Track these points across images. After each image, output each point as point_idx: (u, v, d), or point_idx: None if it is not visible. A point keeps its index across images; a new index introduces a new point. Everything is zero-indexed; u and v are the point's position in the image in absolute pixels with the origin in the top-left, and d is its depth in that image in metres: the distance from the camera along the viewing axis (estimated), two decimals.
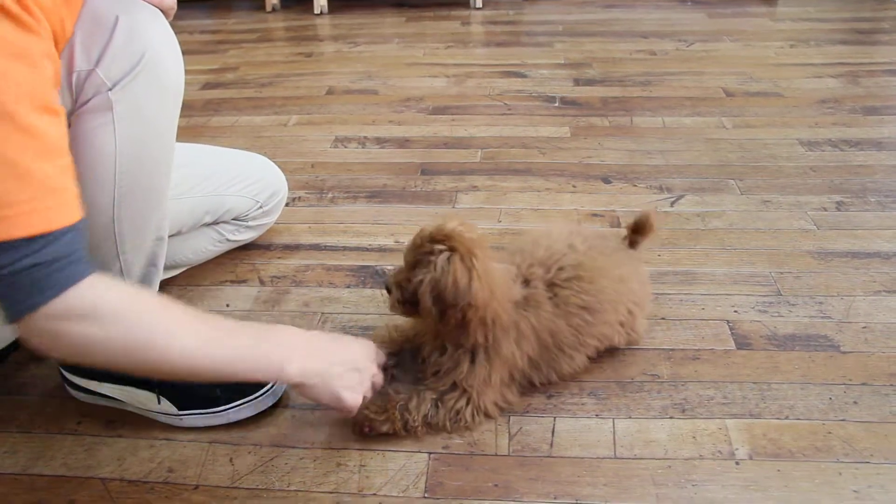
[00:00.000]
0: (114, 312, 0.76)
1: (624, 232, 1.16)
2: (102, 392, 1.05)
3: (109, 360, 0.78)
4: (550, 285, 1.03)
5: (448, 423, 1.00)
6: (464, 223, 0.97)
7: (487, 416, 1.02)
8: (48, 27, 0.74)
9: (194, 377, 0.87)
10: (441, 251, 0.93)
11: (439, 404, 1.00)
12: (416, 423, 0.99)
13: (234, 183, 1.36)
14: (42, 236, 0.69)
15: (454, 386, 1.00)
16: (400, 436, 0.99)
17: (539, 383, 1.07)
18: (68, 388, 1.09)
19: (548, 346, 1.03)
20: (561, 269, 1.04)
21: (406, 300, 0.99)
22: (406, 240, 1.45)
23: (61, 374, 1.08)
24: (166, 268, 1.31)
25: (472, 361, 0.99)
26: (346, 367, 0.93)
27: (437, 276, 0.93)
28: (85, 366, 0.80)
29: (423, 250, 0.95)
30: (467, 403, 1.00)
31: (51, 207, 0.70)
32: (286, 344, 0.90)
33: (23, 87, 0.68)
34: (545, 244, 1.07)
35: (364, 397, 0.95)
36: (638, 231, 1.15)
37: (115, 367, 0.80)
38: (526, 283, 1.02)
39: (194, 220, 1.31)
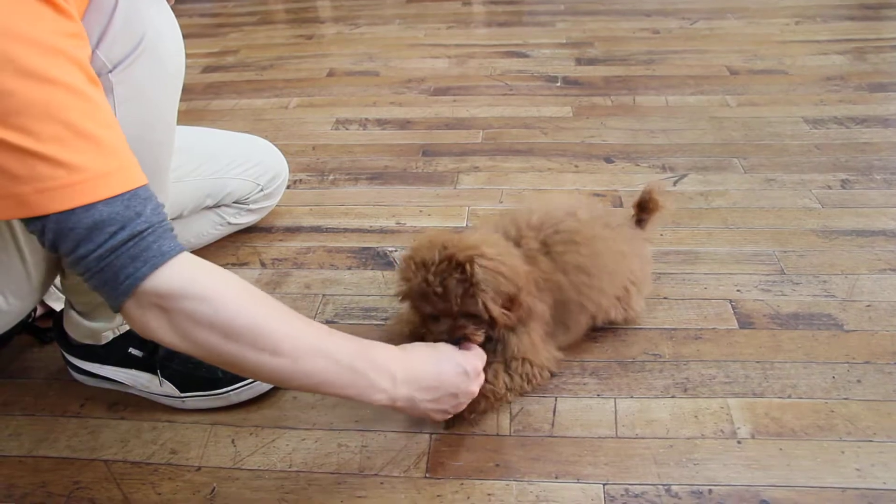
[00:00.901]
0: (223, 295, 0.74)
1: (629, 211, 1.16)
2: (105, 375, 1.06)
3: (209, 345, 0.73)
4: (543, 244, 1.02)
5: (525, 385, 1.01)
6: (420, 239, 0.95)
7: (552, 372, 1.04)
8: (76, 10, 0.74)
9: (275, 383, 0.85)
10: (466, 267, 0.90)
11: (510, 372, 1.00)
12: (503, 391, 0.98)
13: (236, 166, 1.36)
14: (121, 197, 0.68)
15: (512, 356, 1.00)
16: (494, 409, 1.00)
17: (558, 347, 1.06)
18: (71, 371, 1.09)
19: (556, 300, 1.02)
20: (556, 232, 1.03)
21: (485, 325, 0.96)
22: (407, 221, 1.46)
23: (64, 357, 1.08)
24: None
25: (516, 333, 0.99)
26: (444, 394, 0.88)
27: (489, 287, 0.90)
28: (180, 351, 0.75)
29: (450, 281, 0.90)
30: (532, 366, 1.00)
31: (124, 168, 0.70)
32: (384, 368, 0.81)
33: (79, 62, 0.68)
34: (542, 211, 1.07)
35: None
36: (643, 209, 1.14)
37: (207, 356, 0.75)
38: (517, 245, 1.01)
39: (195, 203, 1.30)
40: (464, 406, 0.92)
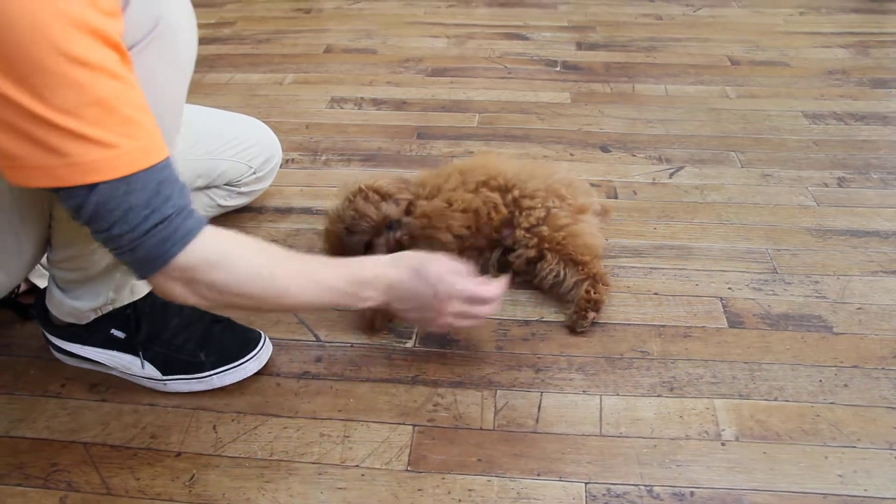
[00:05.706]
0: (237, 258, 0.83)
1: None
2: (86, 356, 1.04)
3: (235, 304, 0.86)
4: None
5: None
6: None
7: None
8: None
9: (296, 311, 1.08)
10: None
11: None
12: None
13: (229, 147, 1.34)
14: (153, 175, 0.74)
15: None
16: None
17: None
18: (53, 350, 1.08)
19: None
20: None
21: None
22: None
23: (45, 336, 1.07)
24: None
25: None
26: (415, 306, 0.97)
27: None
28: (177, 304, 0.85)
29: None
30: None
31: (158, 146, 0.75)
32: (370, 285, 0.94)
33: (114, 43, 0.71)
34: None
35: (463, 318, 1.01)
36: None
37: (234, 310, 0.92)
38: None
39: (186, 183, 1.28)
40: (441, 321, 0.98)
